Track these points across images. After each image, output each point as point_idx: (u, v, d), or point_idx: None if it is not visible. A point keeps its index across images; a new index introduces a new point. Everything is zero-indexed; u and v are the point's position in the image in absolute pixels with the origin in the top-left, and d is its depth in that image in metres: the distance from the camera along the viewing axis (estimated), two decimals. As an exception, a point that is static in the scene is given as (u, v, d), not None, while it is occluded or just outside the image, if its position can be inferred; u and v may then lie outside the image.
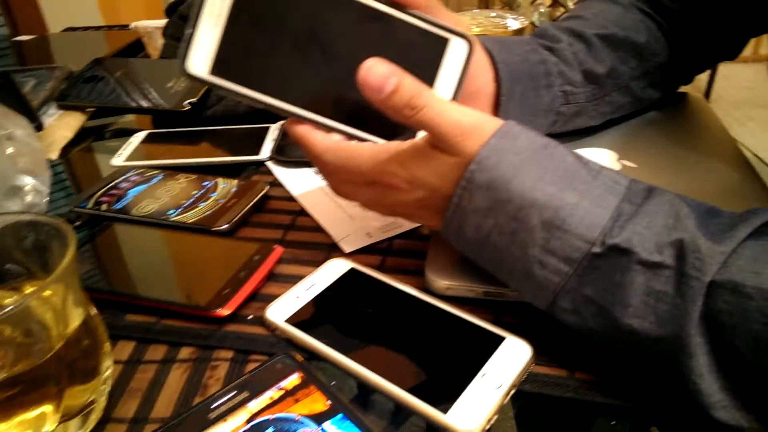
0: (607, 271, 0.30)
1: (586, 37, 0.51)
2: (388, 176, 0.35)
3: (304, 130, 0.38)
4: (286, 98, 0.37)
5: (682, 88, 0.62)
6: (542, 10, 2.23)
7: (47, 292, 0.29)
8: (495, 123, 0.33)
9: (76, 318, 0.30)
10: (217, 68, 0.35)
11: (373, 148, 0.36)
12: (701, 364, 0.28)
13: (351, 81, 0.34)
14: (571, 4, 2.16)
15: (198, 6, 0.34)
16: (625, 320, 0.29)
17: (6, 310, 0.26)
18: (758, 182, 0.47)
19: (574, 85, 0.50)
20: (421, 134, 0.35)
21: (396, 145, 0.35)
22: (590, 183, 0.31)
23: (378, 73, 0.33)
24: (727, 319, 0.27)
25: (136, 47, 0.93)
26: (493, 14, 0.74)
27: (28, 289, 0.33)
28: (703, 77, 2.53)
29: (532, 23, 2.13)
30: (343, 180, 0.38)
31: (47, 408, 0.28)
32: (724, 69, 2.60)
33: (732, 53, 0.58)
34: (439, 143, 0.33)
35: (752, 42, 2.82)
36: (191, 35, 0.34)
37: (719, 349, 0.28)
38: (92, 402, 0.31)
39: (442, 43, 0.38)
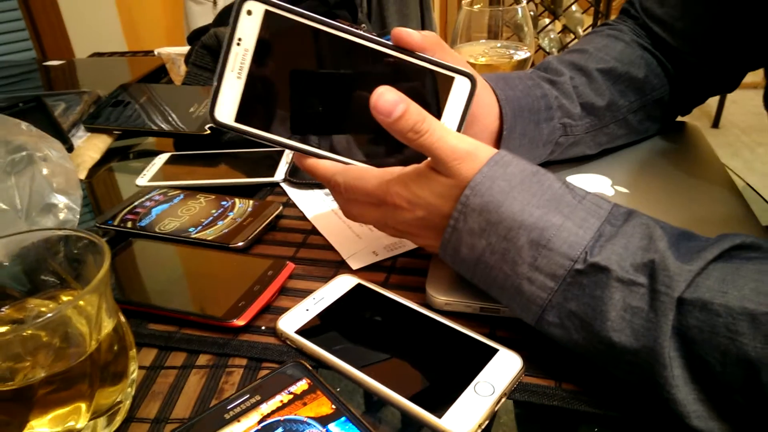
0: (588, 287, 0.33)
1: (587, 71, 0.54)
2: (391, 196, 0.39)
3: (312, 163, 0.42)
4: (305, 140, 0.41)
5: (691, 114, 0.64)
6: (552, 36, 2.27)
7: (82, 302, 0.33)
8: (489, 151, 0.37)
9: (107, 325, 0.33)
10: (241, 116, 0.39)
11: (379, 170, 0.40)
12: (676, 375, 0.30)
13: (365, 122, 0.38)
14: (580, 31, 2.20)
15: (222, 61, 0.38)
16: (605, 333, 0.32)
17: (45, 317, 0.29)
18: (748, 210, 0.49)
19: (573, 117, 0.53)
20: None
21: (399, 169, 0.39)
22: (575, 207, 0.34)
23: (387, 100, 0.36)
24: (697, 335, 0.30)
25: (160, 72, 0.98)
26: (499, 45, 0.77)
27: (64, 298, 0.36)
28: (712, 103, 2.55)
29: (542, 49, 2.16)
30: (352, 200, 0.42)
31: (80, 405, 0.32)
32: (733, 95, 2.61)
33: (730, 86, 0.60)
34: (437, 166, 0.37)
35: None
36: (218, 87, 0.39)
37: (692, 363, 0.30)
38: (119, 402, 0.34)
39: (448, 81, 0.42)
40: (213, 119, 0.39)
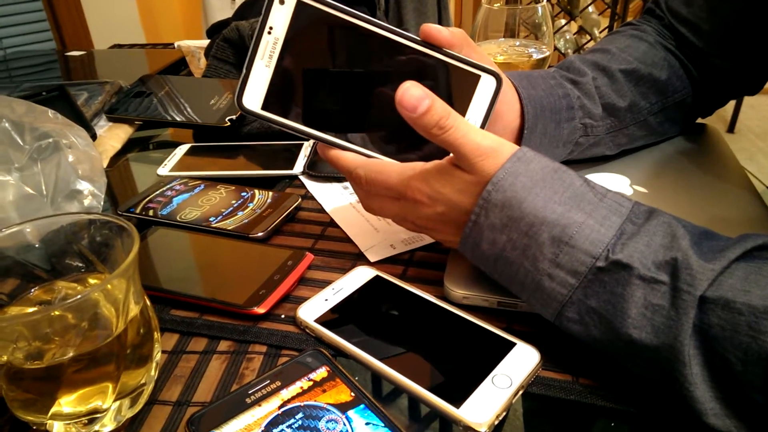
0: (610, 284, 0.33)
1: (610, 72, 0.54)
2: (411, 191, 0.39)
3: (335, 154, 0.42)
4: (330, 131, 0.42)
5: (706, 120, 0.64)
6: (568, 37, 2.25)
7: (110, 286, 0.33)
8: (511, 148, 0.37)
9: (134, 308, 0.34)
10: (268, 103, 0.40)
11: (400, 165, 0.40)
12: (694, 373, 0.30)
13: (389, 116, 0.38)
14: (597, 32, 2.18)
15: (252, 49, 0.39)
16: (625, 330, 0.32)
17: (74, 299, 0.30)
18: (766, 212, 0.49)
19: (594, 118, 0.53)
20: None
21: (421, 165, 0.39)
22: (596, 204, 0.35)
23: (413, 95, 0.37)
24: (718, 333, 0.30)
25: (179, 65, 0.99)
26: (518, 43, 0.78)
27: (91, 281, 0.37)
28: (728, 108, 2.52)
29: (558, 50, 2.15)
30: (372, 194, 0.42)
31: (107, 386, 0.32)
32: (750, 99, 2.59)
33: (754, 89, 0.59)
34: (460, 162, 0.37)
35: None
36: (247, 75, 0.39)
37: (712, 361, 0.30)
38: (143, 384, 0.35)
39: (474, 79, 0.42)
40: (240, 105, 0.40)
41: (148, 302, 0.36)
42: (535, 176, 0.35)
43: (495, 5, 0.74)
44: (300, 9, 0.39)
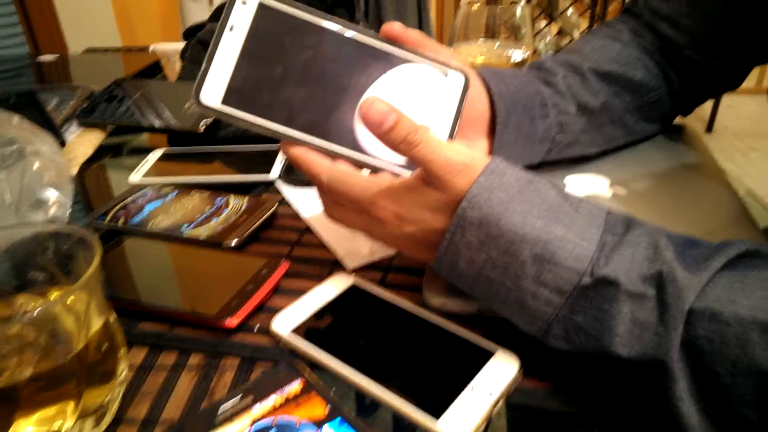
0: (596, 301, 0.32)
1: (581, 71, 0.53)
2: (376, 209, 0.37)
3: (299, 152, 0.40)
4: (292, 126, 0.40)
5: (684, 120, 0.64)
6: (548, 39, 2.27)
7: (72, 298, 0.32)
8: (483, 161, 0.35)
9: (97, 323, 0.32)
10: (228, 98, 0.39)
11: (366, 179, 0.38)
12: (681, 388, 0.29)
13: (352, 110, 0.37)
14: (576, 33, 2.20)
15: (213, 45, 0.38)
16: (613, 348, 0.31)
17: (32, 313, 0.29)
18: (745, 213, 0.49)
19: (569, 116, 0.52)
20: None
21: (388, 181, 0.37)
22: (573, 216, 0.33)
23: (378, 110, 0.35)
24: (706, 345, 0.29)
25: (155, 69, 0.97)
26: (497, 44, 0.77)
27: (54, 295, 0.36)
28: (706, 107, 2.56)
29: (538, 52, 2.16)
30: (334, 202, 0.40)
31: (67, 406, 0.31)
32: (728, 100, 2.63)
33: (734, 83, 0.59)
34: (430, 179, 0.35)
35: (755, 73, 2.85)
36: (206, 70, 0.38)
37: (699, 374, 0.29)
38: (108, 402, 0.33)
39: (441, 77, 0.41)
40: (197, 101, 0.38)
41: (113, 316, 0.34)
42: (510, 190, 0.34)
43: (474, 6, 0.73)
44: (262, 10, 0.38)
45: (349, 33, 0.39)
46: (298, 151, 0.40)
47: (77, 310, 0.32)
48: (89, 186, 0.66)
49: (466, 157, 0.35)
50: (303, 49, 0.39)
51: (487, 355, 0.36)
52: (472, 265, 0.35)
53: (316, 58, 0.39)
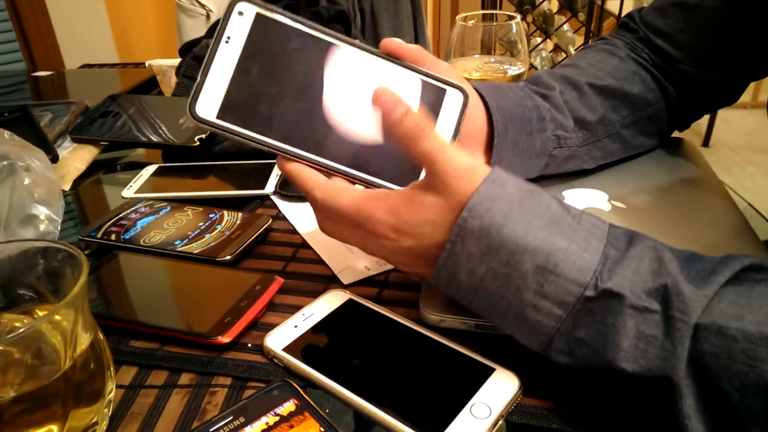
0: (599, 314, 0.31)
1: (578, 86, 0.53)
2: (372, 224, 0.36)
3: (294, 167, 0.39)
4: (288, 142, 0.39)
5: (681, 134, 0.64)
6: (544, 55, 2.28)
7: (58, 317, 0.31)
8: (484, 170, 0.34)
9: (83, 342, 0.31)
10: (224, 113, 0.38)
11: (359, 194, 0.37)
12: (688, 405, 0.29)
13: (351, 128, 0.37)
14: (572, 50, 2.21)
15: (209, 57, 0.37)
16: (617, 363, 0.30)
17: (16, 332, 0.28)
18: (746, 225, 0.48)
19: (566, 130, 0.52)
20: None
21: (384, 194, 0.36)
22: (575, 228, 0.33)
23: (391, 97, 0.35)
24: (713, 362, 0.28)
25: (150, 84, 0.96)
26: (493, 60, 0.77)
27: (40, 313, 0.35)
28: (702, 122, 2.57)
29: (534, 67, 2.18)
30: (328, 218, 0.39)
31: (52, 428, 0.30)
32: (724, 113, 2.64)
33: (731, 98, 0.59)
34: (433, 182, 0.34)
35: (751, 88, 2.87)
36: (201, 82, 0.37)
37: (705, 391, 0.29)
38: (95, 424, 0.32)
39: (440, 93, 0.41)
40: (192, 113, 0.37)
41: (101, 335, 0.33)
42: (512, 200, 0.33)
43: (469, 22, 0.74)
44: (259, 21, 0.38)
45: (348, 47, 0.39)
46: (293, 167, 0.39)
47: (63, 329, 0.31)
48: (83, 202, 0.65)
49: (469, 163, 0.34)
50: (300, 62, 0.39)
51: (486, 373, 0.35)
52: (472, 276, 0.34)
53: (314, 71, 0.39)
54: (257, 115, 0.39)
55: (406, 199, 0.35)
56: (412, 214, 0.35)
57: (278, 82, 0.39)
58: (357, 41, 0.39)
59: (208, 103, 0.38)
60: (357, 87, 0.39)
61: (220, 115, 0.38)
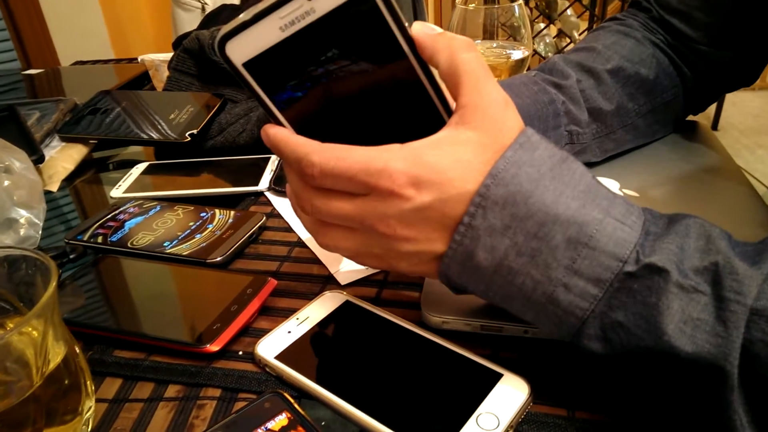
0: (640, 293, 0.27)
1: (595, 72, 0.51)
2: (385, 178, 0.29)
3: (282, 132, 0.33)
4: (314, 116, 0.33)
5: (691, 117, 0.61)
6: (548, 40, 2.24)
7: (28, 328, 0.29)
8: (512, 128, 0.30)
9: (56, 356, 0.29)
10: (254, 65, 0.31)
11: (370, 148, 0.31)
12: (738, 398, 0.26)
13: (376, 120, 0.33)
14: (576, 35, 2.17)
15: (276, 2, 0.30)
16: (660, 349, 0.27)
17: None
18: (766, 211, 0.46)
19: (580, 125, 0.50)
20: None
21: (401, 145, 0.30)
22: (611, 200, 0.29)
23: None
24: (762, 349, 0.25)
25: (143, 79, 0.94)
26: (495, 44, 0.74)
27: (11, 325, 0.32)
28: (711, 106, 2.53)
29: (538, 53, 2.13)
30: (323, 223, 0.34)
31: (23, 450, 0.27)
32: (733, 96, 2.59)
33: (750, 79, 0.56)
34: (470, 112, 0.30)
35: (759, 69, 2.82)
36: (250, 22, 0.30)
37: (748, 382, 0.26)
38: (72, 443, 0.30)
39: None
40: (221, 47, 0.30)
41: (77, 348, 0.31)
42: (542, 166, 0.29)
43: (470, 5, 0.71)
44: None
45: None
46: (281, 133, 0.33)
47: (35, 342, 0.28)
48: (72, 203, 0.63)
49: (512, 114, 0.31)
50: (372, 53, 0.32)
51: (494, 379, 0.32)
52: (492, 254, 0.29)
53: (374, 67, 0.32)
54: (291, 87, 0.32)
55: (431, 142, 0.30)
56: (439, 155, 0.29)
57: (334, 70, 0.32)
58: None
59: (244, 49, 0.31)
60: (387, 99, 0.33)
61: (249, 66, 0.31)
